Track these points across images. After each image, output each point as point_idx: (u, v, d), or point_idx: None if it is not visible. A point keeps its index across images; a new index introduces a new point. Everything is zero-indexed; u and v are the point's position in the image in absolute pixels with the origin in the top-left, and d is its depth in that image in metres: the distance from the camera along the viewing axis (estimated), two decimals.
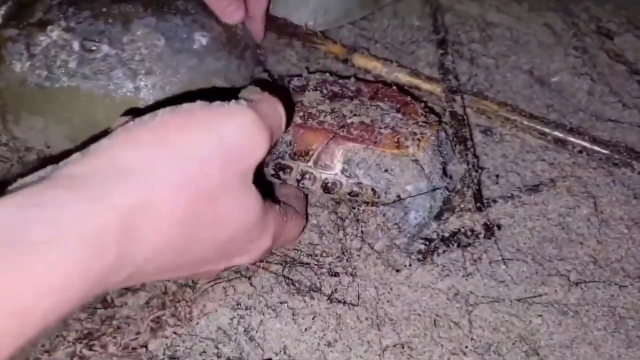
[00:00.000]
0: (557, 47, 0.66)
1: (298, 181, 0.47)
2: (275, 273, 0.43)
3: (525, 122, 0.56)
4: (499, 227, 0.49)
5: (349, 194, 0.47)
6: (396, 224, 0.47)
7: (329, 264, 0.45)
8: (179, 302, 0.40)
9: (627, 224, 0.50)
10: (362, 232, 0.47)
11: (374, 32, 0.67)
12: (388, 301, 0.44)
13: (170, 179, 0.30)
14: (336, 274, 0.44)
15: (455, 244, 0.47)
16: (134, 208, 0.28)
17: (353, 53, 0.62)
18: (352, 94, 0.51)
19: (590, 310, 0.44)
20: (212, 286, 0.41)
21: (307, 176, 0.47)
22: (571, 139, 0.55)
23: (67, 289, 0.26)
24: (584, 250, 0.48)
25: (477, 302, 0.44)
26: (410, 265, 0.46)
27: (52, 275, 0.25)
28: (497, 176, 0.53)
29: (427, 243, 0.47)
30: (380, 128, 0.47)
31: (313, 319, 0.41)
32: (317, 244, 0.47)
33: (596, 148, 0.55)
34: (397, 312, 0.43)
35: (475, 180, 0.50)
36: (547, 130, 0.56)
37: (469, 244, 0.47)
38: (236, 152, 0.32)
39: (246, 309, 0.41)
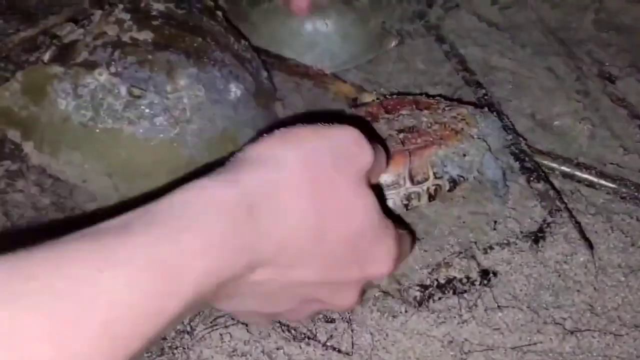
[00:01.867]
0: (559, 91, 0.67)
1: (406, 205, 0.51)
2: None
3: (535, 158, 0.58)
4: (495, 273, 0.49)
5: (449, 190, 0.52)
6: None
7: (326, 310, 0.46)
8: (176, 348, 0.41)
9: (624, 271, 0.50)
10: None
11: (379, 76, 0.69)
12: (383, 348, 0.45)
13: (293, 161, 0.33)
14: (332, 320, 0.46)
15: (451, 291, 0.48)
16: (264, 184, 0.32)
17: (362, 92, 0.64)
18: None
19: (585, 359, 0.45)
20: (209, 332, 0.42)
21: (412, 196, 0.51)
22: (578, 173, 0.57)
23: (212, 258, 0.28)
24: (581, 297, 0.48)
25: (472, 349, 0.45)
26: (406, 311, 0.47)
27: (196, 241, 0.28)
28: (495, 222, 0.53)
29: (423, 290, 0.48)
30: (428, 128, 0.52)
31: None
32: None
33: (603, 182, 0.57)
34: None
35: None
36: (555, 165, 0.57)
37: (465, 291, 0.48)
38: (346, 151, 0.35)
39: (242, 355, 0.42)
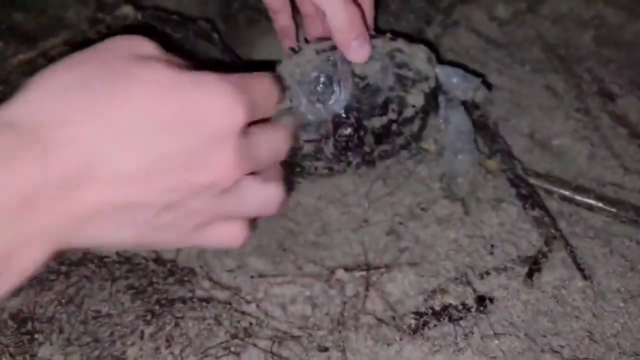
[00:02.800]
0: (558, 110, 0.66)
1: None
2: (264, 349, 0.44)
3: (532, 181, 0.57)
4: (491, 300, 0.49)
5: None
6: None
7: (320, 338, 0.46)
8: None
9: (623, 297, 0.49)
10: (362, 304, 0.48)
11: None
12: None
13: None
14: (326, 349, 0.45)
15: (447, 318, 0.47)
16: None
17: None
18: None
19: None
20: None
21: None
22: (576, 197, 0.56)
23: None
24: (579, 324, 0.48)
25: None
26: (400, 339, 0.46)
27: None
28: (492, 246, 0.53)
29: (418, 317, 0.47)
30: None
31: None
32: (309, 316, 0.48)
33: (601, 205, 0.56)
34: None
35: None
36: (553, 188, 0.57)
37: (461, 318, 0.47)
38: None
39: None
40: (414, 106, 0.51)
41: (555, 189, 0.56)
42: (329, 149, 0.49)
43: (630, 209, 0.55)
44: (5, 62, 0.68)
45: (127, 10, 0.63)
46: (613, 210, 0.55)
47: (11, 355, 0.43)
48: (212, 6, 0.77)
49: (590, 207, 0.56)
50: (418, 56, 0.52)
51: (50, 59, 0.61)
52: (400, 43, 0.52)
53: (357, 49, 0.48)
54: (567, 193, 0.56)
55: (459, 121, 0.55)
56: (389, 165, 0.58)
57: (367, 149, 0.51)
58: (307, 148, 0.50)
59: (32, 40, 0.71)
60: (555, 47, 0.76)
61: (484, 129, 0.62)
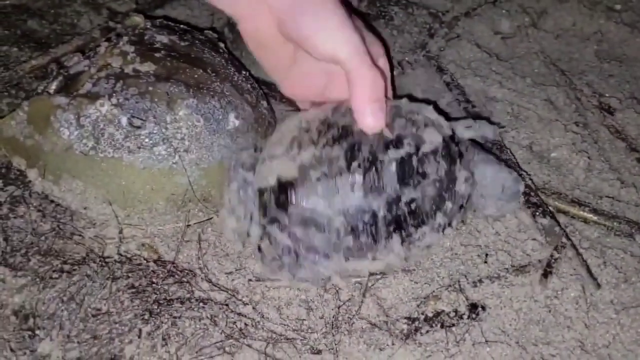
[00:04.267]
0: (558, 122, 0.67)
1: None
2: (258, 350, 0.45)
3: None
4: (483, 307, 0.49)
5: None
6: None
7: (314, 341, 0.47)
8: None
9: (616, 308, 0.49)
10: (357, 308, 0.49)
11: None
12: None
13: None
14: (319, 352, 0.46)
15: (439, 324, 0.48)
16: None
17: None
18: None
19: None
20: None
21: None
22: (573, 210, 0.57)
23: None
24: (571, 334, 0.48)
25: None
26: (393, 344, 0.47)
27: None
28: (487, 255, 0.53)
29: (411, 322, 0.48)
30: None
31: None
32: (304, 319, 0.48)
33: (597, 219, 0.57)
34: None
35: None
36: (549, 201, 0.57)
37: (453, 324, 0.48)
38: None
39: None
40: (431, 142, 0.48)
41: (550, 201, 0.57)
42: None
43: (625, 222, 0.56)
44: (19, 67, 0.70)
45: (138, 19, 0.64)
46: (608, 223, 0.56)
47: (12, 350, 0.44)
48: (220, 17, 0.79)
49: (585, 220, 0.56)
50: (427, 108, 0.51)
51: (60, 67, 0.63)
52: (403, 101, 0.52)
53: (371, 116, 0.46)
54: (562, 207, 0.57)
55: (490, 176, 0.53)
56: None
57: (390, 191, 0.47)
58: None
59: (45, 46, 0.74)
60: (557, 61, 0.77)
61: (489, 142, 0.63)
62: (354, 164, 0.46)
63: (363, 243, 0.46)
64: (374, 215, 0.46)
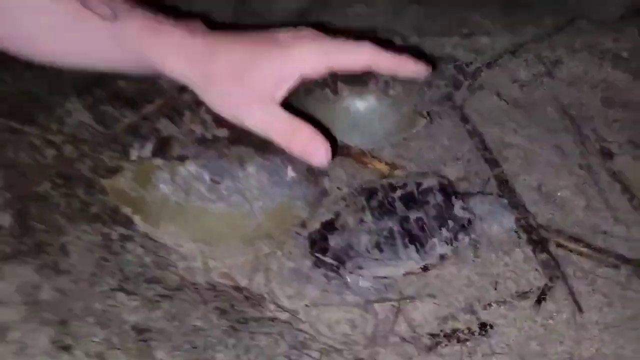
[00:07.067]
0: (564, 166, 0.77)
1: None
2: (315, 359, 0.59)
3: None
4: (492, 326, 0.62)
5: None
6: None
7: (357, 352, 0.60)
8: None
9: (599, 327, 0.61)
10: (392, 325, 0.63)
11: (410, 152, 0.82)
12: None
13: None
14: None
15: (455, 339, 0.61)
16: None
17: (394, 169, 0.78)
18: None
19: None
20: None
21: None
22: (570, 245, 0.69)
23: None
24: (562, 347, 0.60)
25: None
26: (419, 355, 0.60)
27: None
28: (497, 282, 0.66)
29: (433, 338, 0.61)
30: None
31: None
32: (349, 334, 0.62)
33: (590, 252, 0.69)
34: None
35: None
36: (551, 236, 0.69)
37: (467, 340, 0.61)
38: None
39: None
40: (428, 183, 0.69)
41: (551, 238, 0.69)
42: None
43: (613, 256, 0.67)
44: (116, 125, 0.86)
45: None
46: (599, 256, 0.67)
47: (134, 357, 0.60)
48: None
49: (580, 253, 0.68)
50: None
51: (152, 130, 0.79)
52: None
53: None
54: (562, 242, 0.69)
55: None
56: None
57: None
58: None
59: (134, 104, 0.89)
60: (568, 107, 0.86)
61: (502, 185, 0.75)
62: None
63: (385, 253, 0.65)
64: (391, 231, 0.64)
